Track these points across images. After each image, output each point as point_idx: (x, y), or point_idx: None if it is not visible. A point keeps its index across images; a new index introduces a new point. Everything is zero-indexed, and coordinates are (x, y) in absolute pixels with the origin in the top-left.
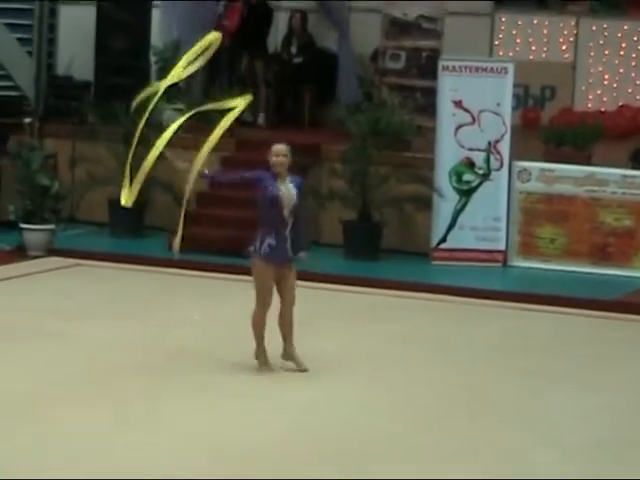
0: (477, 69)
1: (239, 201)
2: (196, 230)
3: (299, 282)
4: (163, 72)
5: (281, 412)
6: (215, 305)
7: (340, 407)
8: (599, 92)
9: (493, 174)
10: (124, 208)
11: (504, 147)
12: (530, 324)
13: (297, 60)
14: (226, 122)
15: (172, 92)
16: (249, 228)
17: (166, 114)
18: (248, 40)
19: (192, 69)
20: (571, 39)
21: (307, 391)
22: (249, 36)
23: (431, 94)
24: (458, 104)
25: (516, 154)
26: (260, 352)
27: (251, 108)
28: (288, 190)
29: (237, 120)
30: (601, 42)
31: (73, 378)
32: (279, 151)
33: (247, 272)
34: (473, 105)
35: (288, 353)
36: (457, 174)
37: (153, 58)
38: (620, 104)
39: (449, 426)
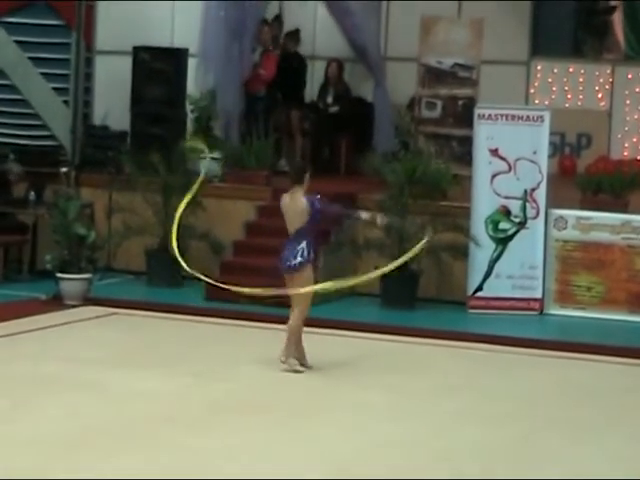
0: (513, 117)
1: (273, 250)
2: (232, 279)
3: (336, 331)
4: (199, 121)
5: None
6: (251, 354)
7: (380, 455)
8: (635, 140)
9: (529, 222)
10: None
11: (540, 195)
12: (568, 373)
13: (333, 109)
14: None
15: (210, 141)
16: (281, 277)
17: (204, 164)
18: (284, 90)
19: None
20: (607, 87)
21: (349, 441)
22: (285, 86)
23: (467, 142)
24: (494, 152)
25: (552, 202)
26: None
27: (287, 157)
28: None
29: (273, 169)
30: (637, 90)
31: (107, 427)
32: None
33: (286, 322)
34: (509, 153)
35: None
36: (493, 222)
37: (189, 107)
38: None
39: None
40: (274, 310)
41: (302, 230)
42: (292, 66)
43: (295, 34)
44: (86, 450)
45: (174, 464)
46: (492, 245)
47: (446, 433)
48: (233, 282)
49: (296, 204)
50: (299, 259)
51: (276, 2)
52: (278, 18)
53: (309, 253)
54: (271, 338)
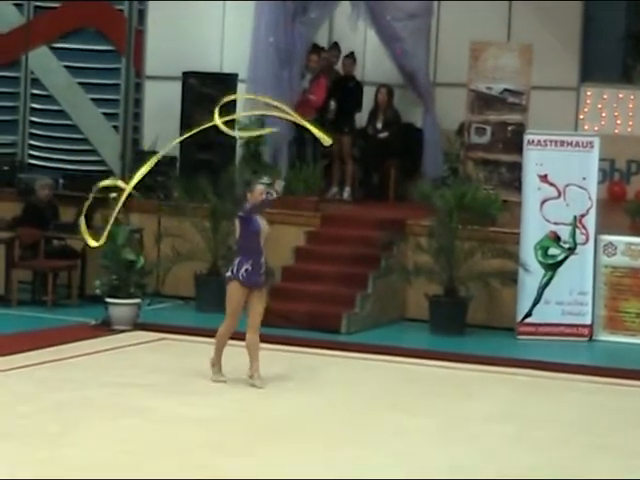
0: (562, 143)
1: (328, 275)
2: (281, 304)
3: (385, 357)
4: (248, 146)
5: None
6: (296, 379)
7: None
8: None
9: (579, 248)
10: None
11: (590, 221)
12: (617, 399)
13: (382, 135)
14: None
15: (259, 166)
16: (331, 302)
17: None
18: (337, 114)
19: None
20: None
21: (399, 467)
22: (339, 110)
23: (516, 168)
24: (543, 178)
25: (602, 228)
26: (216, 361)
27: (338, 183)
28: (265, 224)
29: (322, 196)
30: None
31: (155, 453)
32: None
33: (335, 347)
34: (559, 179)
35: (250, 374)
36: (543, 248)
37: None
38: None
39: None
40: (317, 335)
41: (238, 246)
42: (347, 89)
43: (350, 56)
44: (134, 476)
45: None
46: (541, 271)
47: (496, 459)
48: (281, 307)
49: (265, 224)
50: (228, 273)
51: (326, 28)
52: (336, 45)
53: (237, 270)
54: (317, 363)
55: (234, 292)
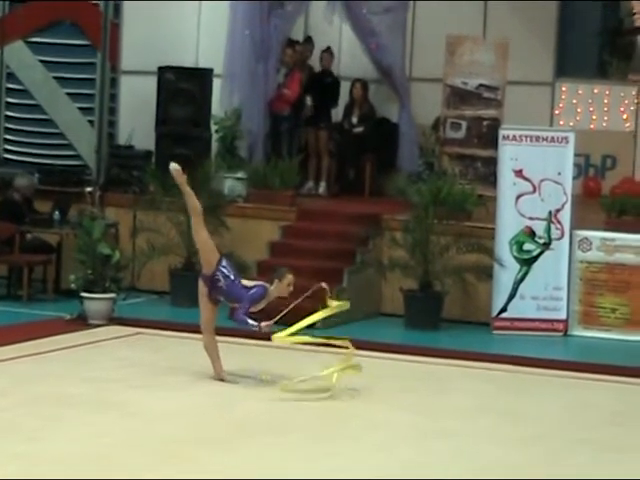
0: (538, 138)
1: (303, 270)
2: None
3: (359, 351)
4: (224, 141)
5: None
6: (271, 373)
7: (403, 475)
8: None
9: (554, 243)
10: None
11: (565, 216)
12: (592, 394)
13: (358, 129)
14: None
15: (234, 161)
16: (312, 297)
17: (228, 184)
18: (315, 109)
19: None
20: (632, 108)
21: (372, 462)
22: (316, 105)
23: (492, 163)
24: (519, 173)
25: (577, 223)
26: (218, 370)
27: (314, 177)
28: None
29: (297, 190)
30: None
31: (132, 447)
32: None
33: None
34: (534, 174)
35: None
36: (518, 243)
37: (214, 127)
38: None
39: None
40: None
41: (233, 278)
42: (324, 84)
43: (327, 50)
44: (112, 469)
45: None
46: (516, 266)
47: (470, 454)
48: None
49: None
50: (204, 271)
51: (302, 23)
52: (310, 39)
53: (212, 279)
54: (290, 358)
55: (202, 299)
